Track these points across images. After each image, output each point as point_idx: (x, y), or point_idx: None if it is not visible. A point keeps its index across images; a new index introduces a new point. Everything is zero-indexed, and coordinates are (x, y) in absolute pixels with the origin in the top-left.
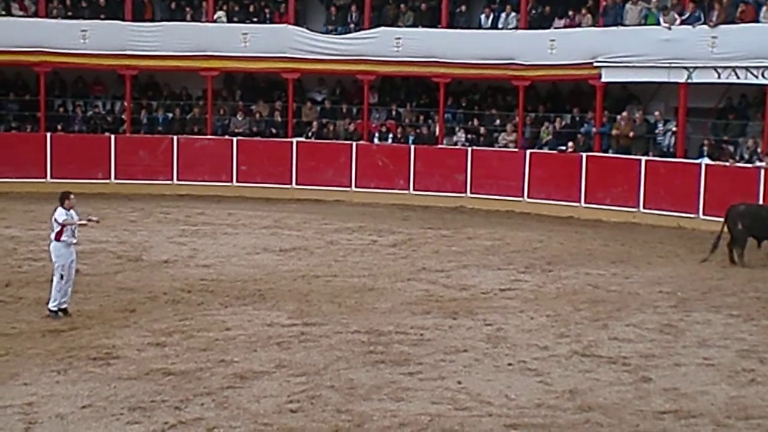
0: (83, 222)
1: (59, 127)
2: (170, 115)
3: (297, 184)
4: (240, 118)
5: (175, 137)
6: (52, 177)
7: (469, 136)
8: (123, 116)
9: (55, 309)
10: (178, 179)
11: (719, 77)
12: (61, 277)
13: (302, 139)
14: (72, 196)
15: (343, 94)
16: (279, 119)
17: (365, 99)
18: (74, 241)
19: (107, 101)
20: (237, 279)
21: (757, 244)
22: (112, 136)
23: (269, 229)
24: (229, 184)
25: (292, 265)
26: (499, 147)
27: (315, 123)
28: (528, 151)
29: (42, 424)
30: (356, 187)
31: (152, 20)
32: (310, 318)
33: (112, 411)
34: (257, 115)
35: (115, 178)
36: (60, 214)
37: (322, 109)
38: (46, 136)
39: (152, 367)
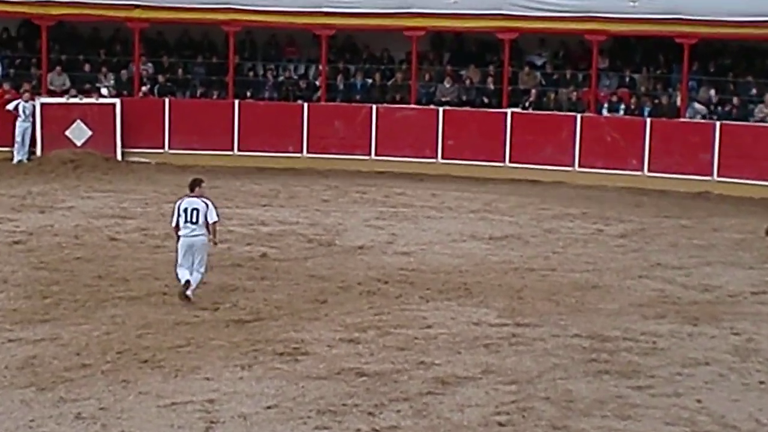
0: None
1: (248, 93)
2: (369, 80)
3: (511, 162)
4: (448, 85)
5: (374, 106)
6: (239, 149)
7: (717, 107)
8: (317, 82)
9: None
10: (376, 154)
11: None
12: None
13: (518, 109)
14: (204, 184)
15: (567, 57)
16: (492, 86)
17: (594, 63)
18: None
19: (300, 65)
20: (440, 270)
21: None
22: (305, 105)
23: (478, 213)
24: (433, 160)
25: (504, 256)
26: (755, 121)
27: (534, 91)
28: None
29: (224, 424)
30: (580, 166)
31: None
32: (523, 318)
33: (299, 413)
34: (467, 82)
35: (307, 151)
36: (217, 215)
37: (543, 75)
38: (233, 104)
39: (344, 366)
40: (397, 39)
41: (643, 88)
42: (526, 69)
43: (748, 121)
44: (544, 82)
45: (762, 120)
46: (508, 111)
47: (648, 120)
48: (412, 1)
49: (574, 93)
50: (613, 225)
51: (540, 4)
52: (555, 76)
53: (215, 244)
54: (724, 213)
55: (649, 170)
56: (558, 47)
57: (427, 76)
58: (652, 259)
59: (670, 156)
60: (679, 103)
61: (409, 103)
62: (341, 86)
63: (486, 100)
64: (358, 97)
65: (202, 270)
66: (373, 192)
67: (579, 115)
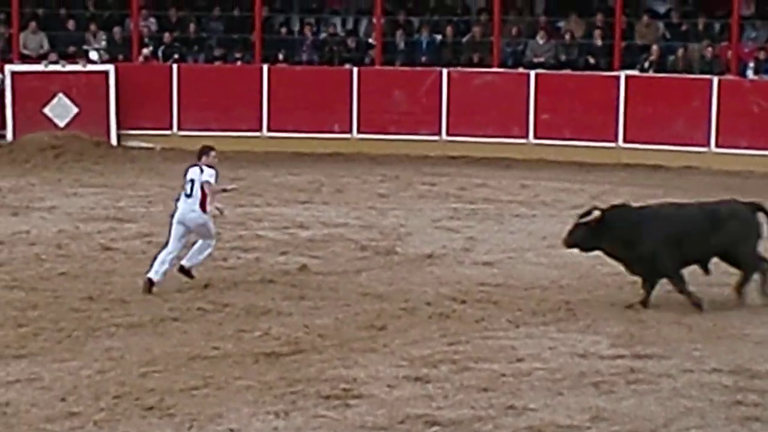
0: (225, 188)
1: (281, 56)
2: (438, 37)
3: (625, 141)
4: (541, 41)
5: (444, 70)
6: (269, 129)
7: None
8: (370, 40)
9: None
10: (448, 134)
11: None
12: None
13: (635, 72)
14: (213, 153)
15: (698, 3)
16: (599, 42)
17: (734, 9)
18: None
19: (348, 18)
20: (534, 285)
21: None
22: (355, 69)
23: (583, 209)
24: (523, 140)
25: (617, 266)
26: None
27: (655, 48)
28: None
29: None
30: (718, 146)
31: None
32: (644, 347)
33: None
34: (567, 37)
35: (358, 131)
36: (210, 175)
37: (667, 26)
38: (261, 70)
39: (409, 413)
40: None
41: None
42: (645, 18)
43: None
44: (668, 36)
45: None
46: (622, 74)
47: None
48: None
49: (710, 49)
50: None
51: None
52: (684, 28)
53: (220, 212)
54: None
55: None
56: None
57: (514, 30)
58: None
59: None
60: None
61: (491, 66)
62: (402, 45)
63: (592, 61)
64: (423, 58)
65: (211, 245)
66: (444, 183)
67: (716, 78)
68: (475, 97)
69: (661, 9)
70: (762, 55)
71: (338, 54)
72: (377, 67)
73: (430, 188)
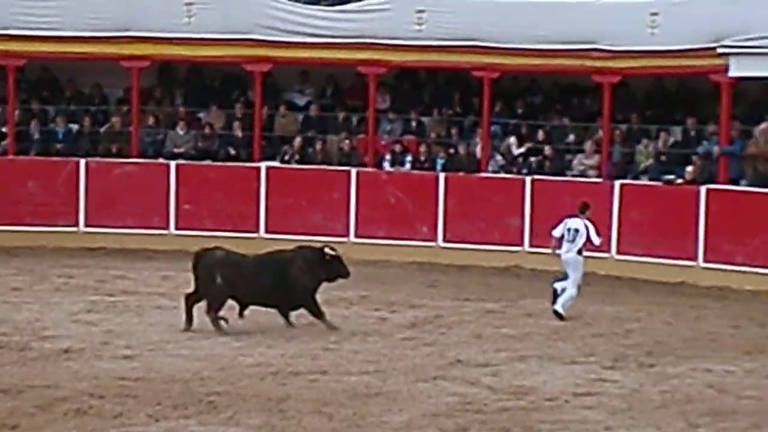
0: None
1: None
2: (75, 126)
3: (267, 231)
4: (182, 132)
5: (82, 161)
6: None
7: (528, 158)
8: (3, 128)
9: None
10: (86, 224)
11: None
12: None
13: (276, 163)
14: None
15: (337, 95)
16: (240, 133)
17: (371, 103)
18: None
19: None
20: (175, 378)
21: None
22: None
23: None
24: (164, 231)
25: (259, 357)
26: (574, 175)
27: (297, 140)
28: (618, 182)
29: None
30: (357, 236)
31: None
32: None
33: None
34: (207, 128)
35: None
36: None
37: (306, 119)
38: None
39: None
40: (112, 71)
41: (434, 135)
42: (284, 110)
43: (565, 175)
44: (308, 128)
45: (583, 174)
46: (263, 165)
47: (442, 175)
48: (132, 22)
49: (347, 141)
50: (400, 312)
51: (298, 26)
52: (323, 119)
53: None
54: (538, 293)
55: (445, 240)
56: (325, 82)
57: (152, 120)
58: (451, 355)
59: (470, 222)
60: (479, 153)
61: (130, 156)
62: (36, 134)
63: (233, 152)
64: (59, 147)
65: None
66: (83, 275)
67: (354, 170)
68: (115, 187)
69: (300, 101)
70: (398, 148)
71: None
72: (10, 156)
73: (67, 281)
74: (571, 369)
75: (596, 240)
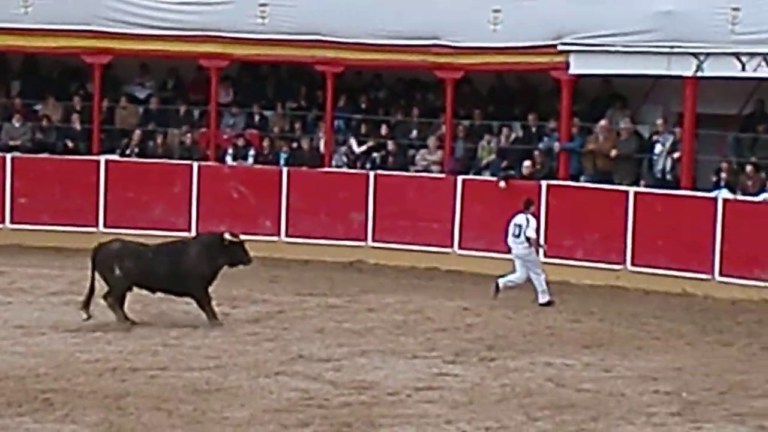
0: None
1: None
2: None
3: (106, 226)
4: (17, 125)
5: None
6: None
7: (371, 154)
8: None
9: None
10: None
11: (743, 69)
12: None
13: (115, 156)
14: None
15: (178, 88)
16: (78, 126)
17: (213, 97)
18: None
19: None
20: (9, 374)
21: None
22: None
23: (61, 296)
24: None
25: (97, 353)
26: (417, 171)
27: (138, 132)
28: (460, 178)
29: None
30: (200, 230)
31: None
32: None
33: None
34: (44, 120)
35: None
36: None
37: (146, 112)
38: None
39: None
40: None
41: (277, 129)
42: (124, 102)
43: (408, 171)
44: (148, 120)
45: (426, 169)
46: (102, 159)
47: (285, 170)
48: None
49: (189, 135)
50: (241, 307)
51: (139, 18)
52: (163, 113)
53: None
54: (381, 288)
55: (288, 234)
56: (166, 75)
57: None
58: (293, 350)
59: (313, 216)
60: (322, 148)
61: None
62: None
63: (71, 145)
64: None
65: None
66: None
67: (196, 164)
68: None
69: (141, 94)
70: (241, 142)
71: None
72: None
73: None
74: (413, 363)
75: (531, 234)
